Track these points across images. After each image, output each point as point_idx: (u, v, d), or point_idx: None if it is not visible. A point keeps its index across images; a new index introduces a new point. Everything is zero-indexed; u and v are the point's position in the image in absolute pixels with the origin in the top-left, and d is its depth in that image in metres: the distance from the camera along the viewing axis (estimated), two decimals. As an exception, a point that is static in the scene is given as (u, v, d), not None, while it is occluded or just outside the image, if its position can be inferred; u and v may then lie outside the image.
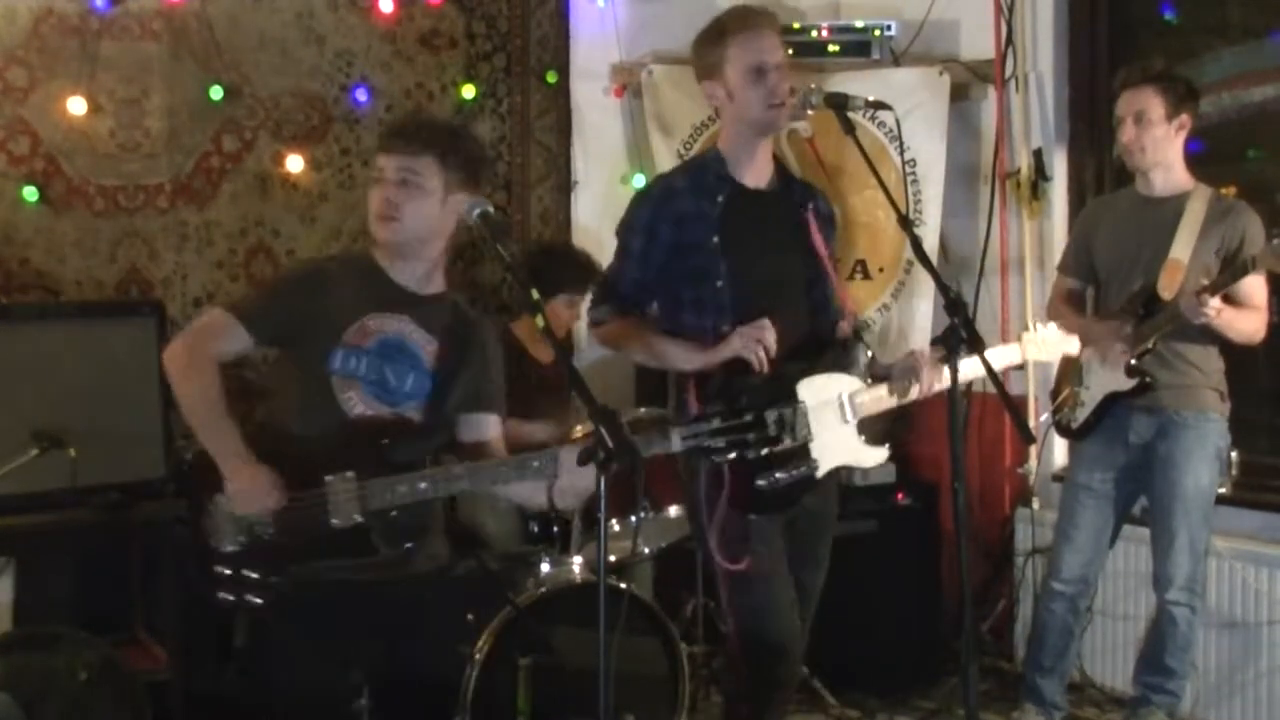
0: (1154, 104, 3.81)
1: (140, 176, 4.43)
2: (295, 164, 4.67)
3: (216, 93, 4.50)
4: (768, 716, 3.22)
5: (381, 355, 2.73)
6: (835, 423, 3.09)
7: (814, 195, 3.28)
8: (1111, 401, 3.93)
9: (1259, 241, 3.76)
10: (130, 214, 4.42)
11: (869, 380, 3.16)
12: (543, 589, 3.55)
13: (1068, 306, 4.15)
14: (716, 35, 3.08)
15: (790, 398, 3.01)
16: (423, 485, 2.60)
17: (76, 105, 4.28)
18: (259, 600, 2.62)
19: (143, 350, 3.93)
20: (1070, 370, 4.12)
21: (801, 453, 3.03)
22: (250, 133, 4.61)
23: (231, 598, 2.64)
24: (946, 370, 2.82)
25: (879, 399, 3.13)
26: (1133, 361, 3.84)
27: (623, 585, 3.47)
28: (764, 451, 2.78)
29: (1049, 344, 3.51)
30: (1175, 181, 3.91)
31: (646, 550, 3.89)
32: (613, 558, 3.72)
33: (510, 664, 3.32)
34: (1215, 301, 3.61)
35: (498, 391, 2.90)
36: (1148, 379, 3.84)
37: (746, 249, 3.09)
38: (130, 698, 3.50)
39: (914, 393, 3.12)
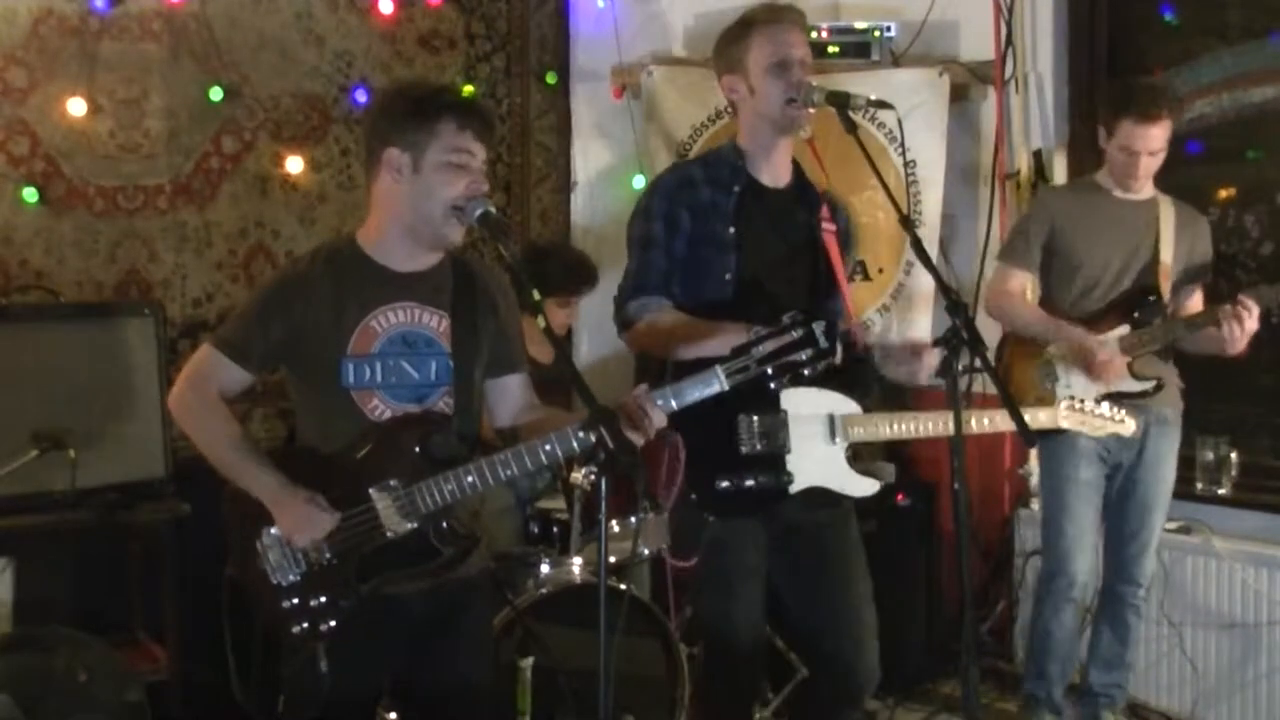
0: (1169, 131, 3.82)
1: (140, 177, 4.43)
2: (295, 165, 4.68)
3: (216, 93, 4.51)
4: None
5: (395, 354, 2.61)
6: (819, 440, 2.98)
7: (835, 208, 3.20)
8: (1105, 399, 3.91)
9: (1210, 249, 3.96)
10: (130, 215, 4.42)
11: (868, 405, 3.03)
12: (543, 590, 3.55)
13: (1027, 304, 4.06)
14: (741, 29, 3.03)
15: (773, 405, 2.93)
16: (470, 479, 2.52)
17: (76, 106, 4.28)
18: (333, 624, 2.54)
19: (142, 351, 3.94)
20: (1035, 370, 3.97)
21: (775, 462, 2.94)
22: (250, 134, 4.61)
23: (306, 626, 2.55)
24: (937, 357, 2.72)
25: (875, 428, 3.01)
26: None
27: (622, 586, 3.47)
28: (820, 367, 2.52)
29: (1091, 420, 3.30)
30: (1148, 186, 3.96)
31: (646, 551, 3.88)
32: (612, 559, 3.72)
33: (510, 664, 3.32)
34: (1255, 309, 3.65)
35: (518, 347, 2.79)
36: (1160, 382, 3.85)
37: (757, 246, 3.03)
38: (130, 698, 3.50)
39: (921, 377, 2.91)
